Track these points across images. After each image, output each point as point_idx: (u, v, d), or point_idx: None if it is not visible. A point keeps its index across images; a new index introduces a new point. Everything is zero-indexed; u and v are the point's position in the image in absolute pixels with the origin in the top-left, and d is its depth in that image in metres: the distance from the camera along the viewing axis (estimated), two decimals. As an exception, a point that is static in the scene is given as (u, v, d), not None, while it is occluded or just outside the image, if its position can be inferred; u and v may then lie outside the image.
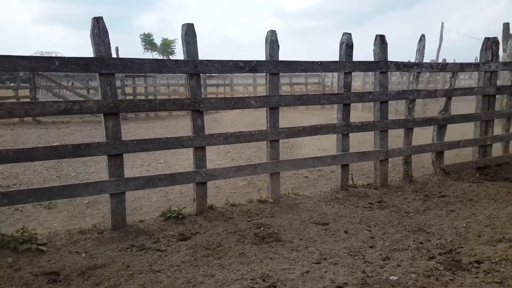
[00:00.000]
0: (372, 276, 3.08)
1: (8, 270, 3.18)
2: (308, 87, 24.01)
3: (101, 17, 3.97)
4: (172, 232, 3.98)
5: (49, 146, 3.87)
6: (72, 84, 20.44)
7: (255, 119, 12.84)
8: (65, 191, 3.83)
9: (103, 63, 3.91)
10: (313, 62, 4.93)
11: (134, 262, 3.33)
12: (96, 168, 7.14)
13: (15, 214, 4.79)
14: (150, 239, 3.81)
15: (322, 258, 3.39)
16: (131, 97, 18.94)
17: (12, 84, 20.70)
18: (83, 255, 3.46)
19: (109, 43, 3.99)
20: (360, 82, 20.70)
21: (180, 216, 4.32)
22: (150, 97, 19.76)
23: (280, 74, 4.77)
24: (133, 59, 4.10)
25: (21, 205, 4.91)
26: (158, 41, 57.98)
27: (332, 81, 23.12)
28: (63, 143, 6.67)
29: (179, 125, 14.32)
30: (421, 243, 3.72)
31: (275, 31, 4.70)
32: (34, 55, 3.95)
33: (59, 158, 4.48)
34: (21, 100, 16.68)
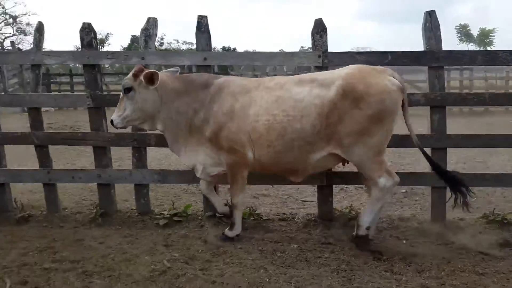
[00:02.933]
0: None
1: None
2: None
3: (433, 11, 4.02)
4: (496, 236, 3.68)
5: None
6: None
7: None
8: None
9: (433, 56, 3.95)
10: None
11: (455, 259, 3.27)
12: (410, 160, 7.21)
13: (341, 193, 5.43)
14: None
15: None
16: (456, 91, 17.84)
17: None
18: (403, 241, 3.63)
19: (440, 36, 4.00)
20: None
21: (505, 222, 3.94)
22: (465, 90, 18.37)
23: None
24: (463, 52, 4.02)
25: (345, 186, 5.51)
26: (474, 32, 54.27)
27: None
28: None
29: (499, 123, 12.20)
30: None
31: None
32: (351, 50, 4.45)
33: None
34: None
